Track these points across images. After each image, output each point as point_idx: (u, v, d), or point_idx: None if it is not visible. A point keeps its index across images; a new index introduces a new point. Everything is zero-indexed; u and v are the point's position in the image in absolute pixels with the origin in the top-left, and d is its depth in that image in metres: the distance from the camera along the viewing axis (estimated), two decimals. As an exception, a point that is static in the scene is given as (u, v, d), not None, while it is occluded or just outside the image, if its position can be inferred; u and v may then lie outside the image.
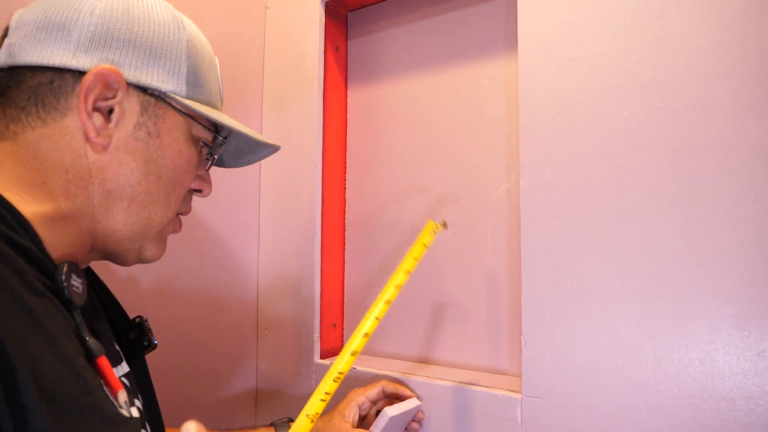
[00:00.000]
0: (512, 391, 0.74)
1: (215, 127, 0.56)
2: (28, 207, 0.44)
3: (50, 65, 0.47)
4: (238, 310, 1.00)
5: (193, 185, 0.57)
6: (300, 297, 0.97)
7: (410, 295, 0.94)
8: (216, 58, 0.58)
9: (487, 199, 0.87)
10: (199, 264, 0.92)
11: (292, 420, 0.78)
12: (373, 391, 0.78)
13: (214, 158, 0.58)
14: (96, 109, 0.47)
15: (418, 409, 0.78)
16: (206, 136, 0.56)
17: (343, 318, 1.02)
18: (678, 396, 0.62)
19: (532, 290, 0.72)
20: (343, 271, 1.03)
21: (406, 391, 0.79)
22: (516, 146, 0.83)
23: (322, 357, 0.95)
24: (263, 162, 1.03)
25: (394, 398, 0.79)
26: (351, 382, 0.87)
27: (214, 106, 0.56)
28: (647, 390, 0.64)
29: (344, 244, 1.03)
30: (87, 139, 0.48)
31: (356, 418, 0.75)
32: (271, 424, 0.78)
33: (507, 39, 0.86)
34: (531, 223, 0.73)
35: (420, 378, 0.81)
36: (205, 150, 0.58)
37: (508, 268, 0.84)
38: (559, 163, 0.71)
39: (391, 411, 0.72)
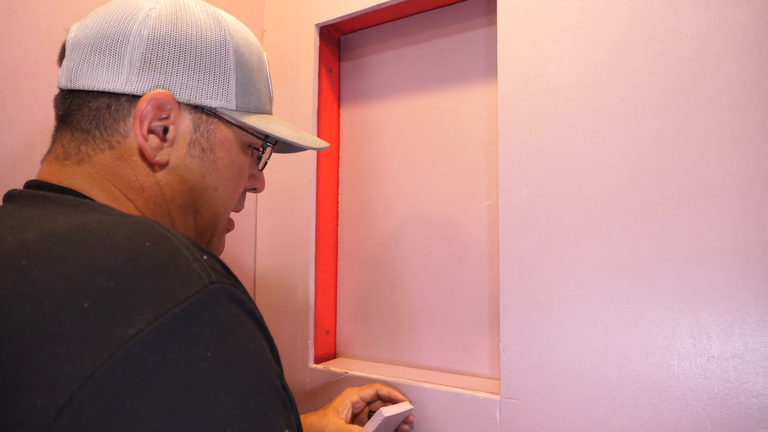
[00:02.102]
0: (492, 393, 0.80)
1: (265, 134, 0.58)
2: None
3: (106, 90, 0.49)
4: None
5: (248, 185, 0.61)
6: (295, 305, 1.03)
7: (399, 303, 1.00)
8: (264, 55, 0.60)
9: (470, 215, 0.93)
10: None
11: None
12: (368, 392, 0.83)
13: (267, 161, 0.61)
14: (151, 130, 0.50)
15: (409, 412, 0.84)
16: (256, 142, 0.58)
17: (335, 325, 1.08)
18: (639, 397, 0.69)
19: (510, 301, 0.79)
20: (336, 281, 1.09)
21: (399, 395, 0.84)
22: (496, 167, 0.90)
23: (316, 362, 1.01)
24: (260, 177, 1.09)
25: (386, 401, 0.85)
26: (344, 383, 0.93)
27: (263, 111, 0.58)
28: (612, 391, 0.70)
29: (337, 255, 1.09)
30: (146, 159, 0.50)
31: (349, 415, 0.80)
32: None
33: (488, 66, 0.93)
34: (508, 239, 0.79)
35: (406, 381, 0.88)
36: (256, 152, 0.60)
37: (488, 280, 0.91)
38: (534, 183, 0.78)
39: (387, 411, 0.78)
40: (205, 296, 0.36)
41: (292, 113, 1.05)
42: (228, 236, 1.03)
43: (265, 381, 0.37)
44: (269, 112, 0.61)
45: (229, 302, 0.37)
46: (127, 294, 0.34)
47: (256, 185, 0.63)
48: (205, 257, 0.39)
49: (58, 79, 0.51)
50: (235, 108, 0.54)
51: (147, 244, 0.37)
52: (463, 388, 0.83)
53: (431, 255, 0.97)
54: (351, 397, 0.82)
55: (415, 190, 1.00)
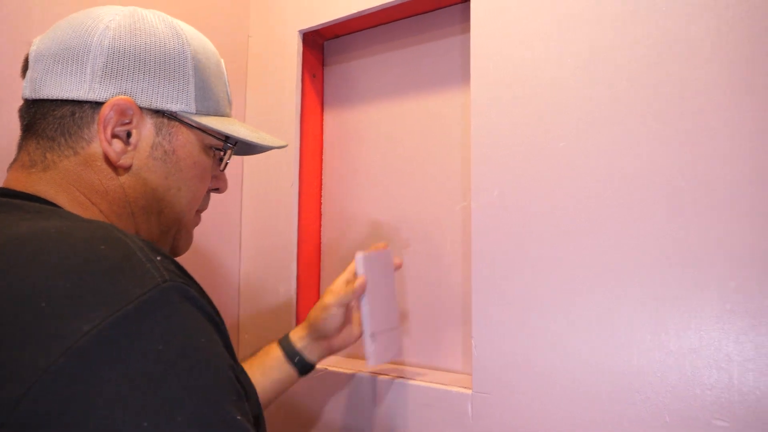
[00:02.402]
0: (464, 387, 0.83)
1: (225, 136, 0.61)
2: None
3: (70, 98, 0.51)
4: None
5: (211, 185, 0.64)
6: (278, 302, 1.05)
7: (379, 301, 1.03)
8: (222, 62, 0.62)
9: (447, 217, 0.96)
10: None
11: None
12: (347, 271, 0.82)
13: (228, 162, 0.64)
14: (115, 135, 0.52)
15: (391, 254, 0.85)
16: (217, 143, 0.61)
17: (318, 322, 1.11)
18: (602, 390, 0.71)
19: (481, 299, 0.81)
20: (319, 279, 1.12)
21: (376, 246, 0.84)
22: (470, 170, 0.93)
23: (298, 358, 1.04)
24: (245, 178, 1.12)
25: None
26: (326, 379, 0.96)
27: (223, 113, 0.61)
28: (577, 385, 0.73)
29: (320, 254, 1.12)
30: (110, 163, 0.52)
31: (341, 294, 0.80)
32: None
33: (463, 72, 0.96)
34: (480, 239, 0.82)
35: (384, 377, 0.90)
36: (218, 153, 0.62)
37: (462, 279, 0.94)
38: (505, 185, 0.81)
39: (360, 253, 0.80)
40: (157, 294, 0.38)
41: (276, 117, 1.07)
42: (214, 236, 1.06)
43: (216, 372, 0.39)
44: (229, 115, 0.63)
45: (182, 300, 0.40)
46: (83, 293, 0.36)
47: (218, 185, 0.65)
48: (158, 258, 0.41)
49: (22, 90, 0.54)
50: (195, 111, 0.56)
51: (102, 247, 0.40)
52: (437, 383, 0.86)
53: (410, 255, 1.00)
54: (338, 278, 0.81)
55: (395, 191, 1.03)
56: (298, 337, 0.82)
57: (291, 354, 0.80)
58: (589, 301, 0.73)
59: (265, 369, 0.79)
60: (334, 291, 0.81)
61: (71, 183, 0.52)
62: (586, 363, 0.73)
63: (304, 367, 0.81)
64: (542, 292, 0.77)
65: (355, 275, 0.82)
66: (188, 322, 0.39)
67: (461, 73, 0.97)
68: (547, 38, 0.78)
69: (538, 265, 0.77)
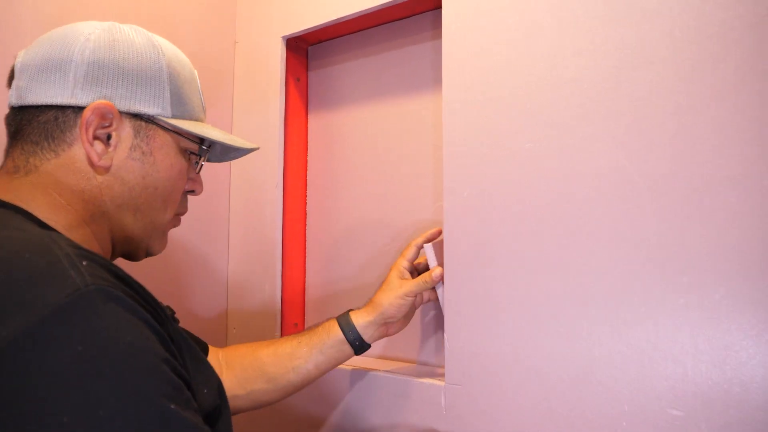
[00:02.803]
0: (437, 379, 0.86)
1: (200, 138, 0.64)
2: (63, 228, 0.53)
3: (54, 104, 0.55)
4: (209, 312, 1.12)
5: (187, 187, 0.67)
6: (264, 300, 1.09)
7: (361, 297, 1.06)
8: (195, 72, 0.66)
9: (424, 216, 1.00)
10: (175, 271, 1.04)
11: (352, 309, 0.86)
12: (410, 252, 0.86)
13: (202, 164, 0.68)
14: (96, 137, 0.56)
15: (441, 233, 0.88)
16: (193, 146, 0.64)
17: (304, 318, 1.15)
18: (566, 381, 0.74)
19: (452, 295, 0.84)
20: (304, 276, 1.15)
21: (431, 231, 0.87)
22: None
23: (284, 353, 1.08)
24: (232, 179, 1.15)
25: (427, 242, 0.87)
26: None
27: (197, 118, 0.65)
28: (542, 377, 0.76)
29: (305, 252, 1.15)
30: (91, 164, 0.56)
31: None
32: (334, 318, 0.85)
33: (435, 76, 0.99)
34: (452, 238, 0.85)
35: (358, 368, 0.94)
36: (193, 157, 0.66)
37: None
38: (475, 186, 0.83)
39: (428, 244, 0.85)
40: (76, 298, 0.41)
41: (262, 119, 1.11)
42: (203, 236, 1.09)
43: (144, 367, 0.42)
44: (203, 121, 0.67)
45: (105, 301, 0.42)
46: (2, 301, 0.39)
47: (194, 187, 0.69)
48: (84, 263, 0.44)
49: (8, 99, 0.57)
50: (171, 115, 0.60)
51: (27, 256, 0.43)
52: (411, 375, 0.89)
53: (390, 252, 1.03)
54: (401, 265, 0.85)
55: (376, 191, 1.06)
56: (362, 321, 0.83)
57: (352, 337, 0.82)
58: (552, 297, 0.76)
59: (324, 348, 0.82)
60: (417, 282, 0.83)
61: (49, 185, 0.55)
62: (551, 355, 0.76)
63: (361, 348, 0.84)
64: (509, 289, 0.79)
65: (425, 263, 0.86)
66: (111, 322, 0.41)
67: (434, 77, 1.00)
68: (515, 43, 0.81)
69: (505, 263, 0.80)
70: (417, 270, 0.88)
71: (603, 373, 0.72)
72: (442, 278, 0.84)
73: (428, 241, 0.88)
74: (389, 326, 0.85)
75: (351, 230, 1.09)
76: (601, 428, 0.71)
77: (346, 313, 0.85)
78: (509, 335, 0.79)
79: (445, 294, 0.85)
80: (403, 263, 0.86)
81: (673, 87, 0.70)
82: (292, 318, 1.11)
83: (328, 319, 0.86)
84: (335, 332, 0.83)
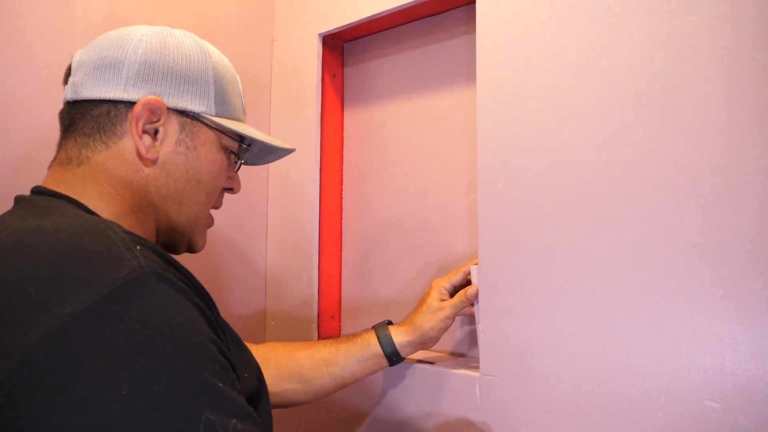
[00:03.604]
0: (472, 370, 0.87)
1: (240, 137, 0.68)
2: (112, 216, 0.57)
3: (107, 98, 0.58)
4: (248, 304, 1.15)
5: (226, 185, 0.70)
6: (301, 293, 1.12)
7: (396, 290, 1.08)
8: (238, 77, 0.70)
9: (458, 209, 1.01)
10: (214, 264, 1.08)
11: (390, 322, 0.89)
12: (457, 277, 0.88)
13: (241, 162, 0.71)
14: (145, 131, 0.59)
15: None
16: (233, 145, 0.68)
17: (340, 311, 1.17)
18: (602, 372, 0.74)
19: (487, 285, 0.85)
20: (340, 270, 1.17)
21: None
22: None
23: (320, 344, 1.10)
24: (270, 175, 1.18)
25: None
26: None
27: (238, 119, 0.68)
28: (578, 367, 0.76)
29: (341, 246, 1.17)
30: (139, 156, 0.59)
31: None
32: (372, 328, 0.87)
33: (468, 71, 1.00)
34: (486, 230, 0.86)
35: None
36: (233, 156, 0.69)
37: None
38: (508, 178, 0.84)
39: (473, 265, 0.87)
40: (132, 279, 0.43)
41: (299, 116, 1.14)
42: (241, 230, 1.13)
43: (194, 346, 0.44)
44: (243, 122, 0.70)
45: (158, 283, 0.44)
46: (65, 280, 0.42)
47: (233, 185, 0.72)
48: (138, 248, 0.46)
49: (64, 94, 0.61)
50: (214, 114, 0.63)
51: (86, 239, 0.46)
52: (446, 366, 0.90)
53: (424, 246, 1.04)
54: (443, 285, 0.87)
55: (410, 186, 1.07)
56: (402, 340, 0.85)
57: (390, 352, 0.85)
58: (590, 288, 0.76)
59: (362, 359, 0.84)
60: (455, 304, 0.85)
61: (100, 175, 0.58)
62: (586, 345, 0.76)
63: (397, 362, 0.87)
64: (544, 279, 0.80)
65: (467, 282, 0.88)
66: (164, 302, 0.44)
67: (467, 72, 1.00)
68: (548, 36, 0.82)
69: (540, 253, 0.80)
70: (455, 288, 0.89)
71: (639, 363, 0.72)
72: (476, 297, 0.86)
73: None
74: (427, 344, 0.87)
75: (385, 224, 1.11)
76: (638, 419, 0.71)
77: (385, 327, 0.86)
78: (544, 326, 0.79)
79: (480, 283, 0.86)
80: (446, 285, 0.87)
81: (710, 76, 0.69)
82: (328, 311, 1.13)
83: (366, 330, 0.87)
84: (374, 346, 0.85)
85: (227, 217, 1.08)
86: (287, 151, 0.75)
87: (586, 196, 0.77)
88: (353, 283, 1.16)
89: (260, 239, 1.17)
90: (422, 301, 0.87)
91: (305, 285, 1.11)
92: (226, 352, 0.49)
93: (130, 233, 0.49)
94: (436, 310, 0.85)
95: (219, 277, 1.09)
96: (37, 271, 0.43)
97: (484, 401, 0.84)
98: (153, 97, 0.59)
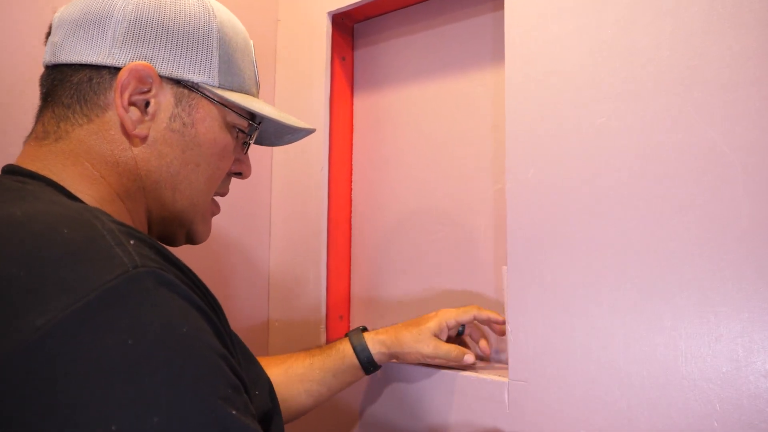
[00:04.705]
0: (500, 375, 0.81)
1: (250, 114, 0.58)
2: (94, 202, 0.48)
3: (88, 63, 0.49)
4: (250, 304, 1.08)
5: (233, 168, 0.61)
6: (308, 292, 1.04)
7: (411, 288, 1.01)
8: (251, 42, 0.60)
9: (480, 200, 0.94)
10: (211, 259, 1.00)
11: (365, 329, 0.83)
12: (466, 317, 0.81)
13: (250, 143, 0.61)
14: (132, 103, 0.50)
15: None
16: (241, 122, 0.58)
17: (349, 311, 1.10)
18: (646, 377, 0.68)
19: (517, 282, 0.79)
20: (350, 267, 1.10)
21: (496, 317, 0.83)
22: (504, 151, 0.90)
23: (329, 346, 1.03)
24: (274, 163, 1.11)
25: (484, 323, 0.84)
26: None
27: (248, 92, 0.58)
28: (619, 372, 0.70)
29: (350, 241, 1.10)
30: (126, 132, 0.50)
31: (445, 337, 0.81)
32: (346, 336, 0.82)
33: (494, 51, 0.93)
34: (515, 221, 0.79)
35: (415, 365, 0.88)
36: (241, 135, 0.59)
37: (495, 262, 0.91)
38: (540, 165, 0.78)
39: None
40: (125, 281, 0.35)
41: (305, 101, 1.06)
42: (242, 223, 1.05)
43: (202, 364, 0.36)
44: (255, 95, 0.61)
45: (157, 286, 0.36)
46: (38, 283, 0.33)
47: (241, 169, 0.63)
48: (132, 242, 0.38)
49: (43, 57, 0.53)
50: (217, 84, 0.54)
51: (65, 231, 0.37)
52: (471, 371, 0.83)
53: (442, 240, 0.98)
54: (448, 320, 0.81)
55: (426, 175, 1.00)
56: (378, 351, 0.81)
57: (367, 364, 0.80)
58: (630, 284, 0.70)
59: (338, 372, 0.80)
60: (443, 353, 0.80)
61: (80, 154, 0.50)
62: (629, 349, 0.69)
63: (374, 371, 0.82)
64: (580, 276, 0.73)
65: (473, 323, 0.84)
66: (165, 311, 0.36)
67: (492, 52, 0.94)
68: (581, 9, 0.75)
69: (575, 247, 0.74)
70: (460, 326, 0.83)
71: (690, 368, 0.66)
72: (473, 365, 0.81)
73: (486, 323, 0.84)
74: (402, 361, 0.83)
75: (399, 218, 1.03)
76: (688, 429, 0.65)
77: (360, 335, 0.81)
78: (581, 327, 0.73)
79: (508, 281, 0.79)
80: (451, 321, 0.81)
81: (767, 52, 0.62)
82: (337, 311, 1.06)
83: (341, 340, 0.82)
84: (350, 357, 0.80)
85: (226, 206, 1.00)
86: (307, 132, 0.65)
87: (629, 184, 0.71)
88: (363, 282, 1.08)
89: (263, 233, 1.10)
90: (418, 322, 0.81)
91: (312, 283, 1.03)
92: (238, 370, 0.41)
93: (120, 224, 0.40)
94: (424, 341, 0.79)
95: (216, 275, 1.01)
96: (4, 271, 0.34)
97: (514, 408, 0.78)
98: (142, 62, 0.50)
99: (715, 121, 0.66)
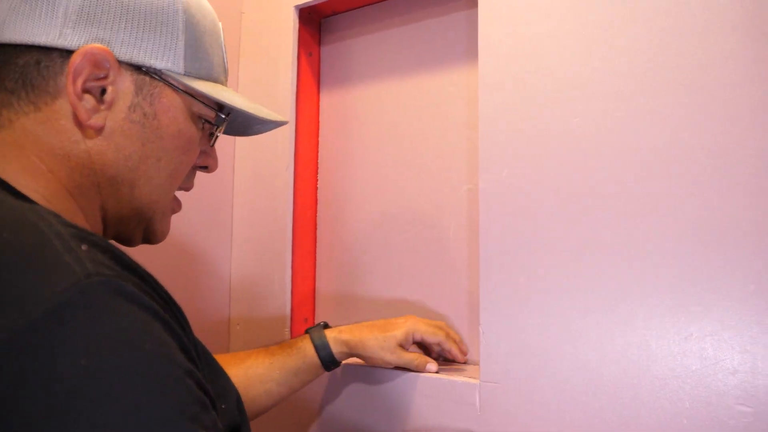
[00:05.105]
0: (471, 377, 0.80)
1: (218, 104, 0.54)
2: (42, 199, 0.43)
3: (36, 44, 0.44)
4: (210, 305, 1.03)
5: (198, 162, 0.57)
6: (272, 293, 1.01)
7: (379, 290, 0.99)
8: (220, 25, 0.56)
9: (451, 200, 0.93)
10: (170, 263, 0.95)
11: (327, 325, 0.81)
12: (432, 339, 0.80)
13: (218, 135, 0.57)
14: (86, 90, 0.45)
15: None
16: (208, 113, 0.54)
17: (314, 312, 1.07)
18: (619, 378, 0.68)
19: (489, 283, 0.78)
20: (315, 268, 1.07)
21: (457, 354, 0.83)
22: (477, 150, 0.89)
23: (293, 349, 1.00)
24: (237, 162, 1.07)
25: (446, 354, 0.84)
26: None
27: (216, 80, 0.54)
28: (591, 373, 0.70)
29: (316, 242, 1.07)
30: (79, 123, 0.46)
31: (409, 347, 0.81)
32: (306, 332, 0.80)
33: (468, 49, 0.93)
34: (488, 221, 0.79)
35: (384, 368, 0.86)
36: (208, 126, 0.55)
37: (468, 263, 0.90)
38: (514, 165, 0.77)
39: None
40: (77, 293, 0.31)
41: (270, 97, 1.03)
42: (203, 222, 1.01)
43: (169, 383, 0.33)
44: (223, 84, 0.57)
45: (113, 296, 0.33)
46: None
47: (208, 163, 0.59)
48: (84, 247, 0.34)
49: None
50: (183, 72, 0.50)
51: (5, 235, 0.33)
52: (442, 374, 0.82)
53: (411, 241, 0.96)
54: (415, 332, 0.80)
55: (395, 175, 0.99)
56: (340, 351, 0.79)
57: (328, 362, 0.79)
58: (603, 285, 0.70)
59: (299, 371, 0.77)
60: (407, 359, 0.80)
61: (27, 145, 0.45)
62: (602, 349, 0.70)
63: (334, 368, 0.81)
64: (554, 277, 0.73)
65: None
66: (123, 325, 0.32)
67: (466, 50, 0.93)
68: (558, 9, 0.75)
69: (549, 248, 0.74)
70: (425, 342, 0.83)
71: (661, 367, 0.66)
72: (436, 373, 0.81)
73: (453, 355, 0.84)
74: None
75: (368, 217, 1.01)
76: (658, 427, 0.66)
77: (322, 332, 0.79)
78: (554, 328, 0.73)
79: (481, 281, 0.78)
80: (417, 336, 0.80)
81: (746, 54, 0.64)
82: (302, 313, 1.03)
83: (301, 337, 0.80)
84: (311, 357, 0.78)
85: (184, 205, 0.96)
86: (277, 124, 0.61)
87: (602, 184, 0.71)
88: (330, 283, 1.06)
89: (224, 232, 1.06)
90: (385, 327, 0.79)
91: (277, 284, 1.00)
92: (205, 385, 0.38)
93: (70, 225, 0.36)
94: (388, 350, 0.78)
95: (173, 276, 0.96)
96: None
97: (485, 411, 0.77)
98: (98, 45, 0.45)
99: (689, 121, 0.67)
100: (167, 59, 0.48)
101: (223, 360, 0.74)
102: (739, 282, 0.63)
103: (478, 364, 0.82)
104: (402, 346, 0.79)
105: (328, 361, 0.78)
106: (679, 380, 0.65)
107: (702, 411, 0.64)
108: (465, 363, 0.85)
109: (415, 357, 0.80)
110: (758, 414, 0.61)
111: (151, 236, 0.55)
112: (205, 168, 0.60)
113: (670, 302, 0.66)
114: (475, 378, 0.79)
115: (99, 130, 0.46)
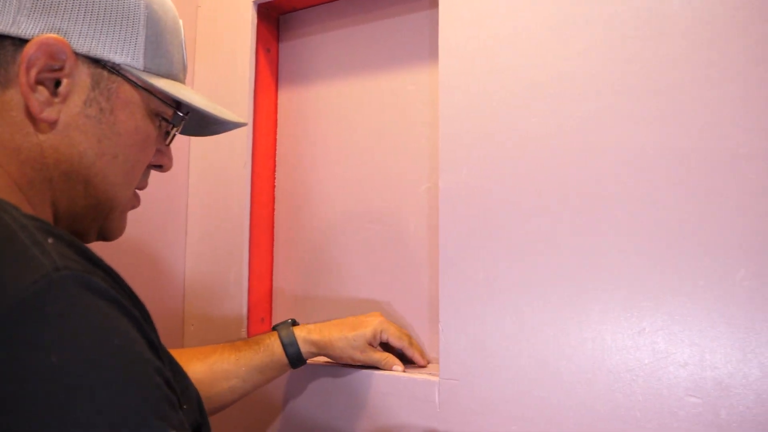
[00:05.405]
0: (430, 374, 0.80)
1: (176, 102, 0.53)
2: None
3: None
4: (163, 305, 1.00)
5: (153, 160, 0.55)
6: (228, 293, 0.98)
7: (337, 289, 0.98)
8: (180, 22, 0.55)
9: (411, 199, 0.93)
10: (123, 261, 0.92)
11: (295, 322, 0.80)
12: (398, 343, 0.81)
13: (174, 134, 0.56)
14: (40, 82, 0.44)
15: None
16: (166, 111, 0.53)
17: (271, 312, 1.05)
18: (574, 372, 0.70)
19: (449, 280, 0.78)
20: (272, 267, 1.05)
21: (419, 360, 0.83)
22: (437, 149, 0.90)
23: (250, 350, 0.97)
24: (192, 159, 1.04)
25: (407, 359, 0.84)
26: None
27: (175, 77, 0.53)
28: (549, 367, 0.71)
29: (273, 240, 1.06)
30: (31, 115, 0.44)
31: (376, 345, 0.81)
32: (274, 328, 0.79)
33: (430, 48, 0.93)
34: (448, 220, 0.79)
35: (341, 366, 0.85)
36: (165, 124, 0.54)
37: (428, 262, 0.90)
38: (473, 164, 0.78)
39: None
40: (45, 287, 0.30)
41: (227, 93, 1.01)
42: (157, 219, 0.98)
43: (139, 381, 0.33)
44: (182, 81, 0.56)
45: (82, 291, 0.32)
46: None
47: (162, 162, 0.58)
48: (50, 240, 0.33)
49: None
50: (142, 68, 0.49)
51: None
52: (400, 371, 0.82)
53: (371, 239, 0.96)
54: (383, 332, 0.80)
55: (355, 174, 0.98)
56: (307, 350, 0.79)
57: (296, 360, 0.78)
58: (559, 282, 0.72)
59: (265, 369, 0.76)
60: (375, 358, 0.80)
61: None
62: (557, 345, 0.71)
63: (300, 365, 0.80)
64: (512, 275, 0.74)
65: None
66: (93, 321, 0.32)
67: (428, 49, 0.93)
68: (519, 10, 0.76)
69: (507, 246, 0.75)
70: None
71: (614, 361, 0.68)
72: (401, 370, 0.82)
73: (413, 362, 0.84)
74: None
75: (326, 216, 1.01)
76: (613, 420, 0.67)
77: (290, 329, 0.78)
78: (512, 325, 0.74)
79: (440, 279, 0.78)
80: (385, 336, 0.80)
81: (703, 55, 0.66)
82: (258, 313, 1.01)
83: (269, 333, 0.79)
84: (279, 354, 0.77)
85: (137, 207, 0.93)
86: (236, 125, 0.61)
87: (561, 184, 0.73)
88: (288, 283, 1.04)
89: (178, 230, 1.03)
90: (353, 325, 0.79)
91: (233, 284, 0.98)
92: (172, 382, 0.37)
93: (34, 218, 0.35)
94: (358, 349, 0.78)
95: (124, 273, 0.92)
96: None
97: (445, 408, 0.77)
98: (55, 35, 0.43)
99: (646, 120, 0.69)
100: (127, 54, 0.47)
101: (187, 354, 0.72)
102: (688, 278, 0.65)
103: (437, 362, 0.83)
104: (371, 344, 0.79)
105: (296, 359, 0.77)
106: (632, 373, 0.67)
107: (654, 403, 0.66)
108: (425, 367, 0.85)
109: (383, 357, 0.80)
110: (706, 404, 0.63)
111: (106, 233, 0.54)
112: (159, 167, 0.58)
113: (623, 298, 0.68)
114: (434, 375, 0.79)
115: (52, 124, 0.45)
